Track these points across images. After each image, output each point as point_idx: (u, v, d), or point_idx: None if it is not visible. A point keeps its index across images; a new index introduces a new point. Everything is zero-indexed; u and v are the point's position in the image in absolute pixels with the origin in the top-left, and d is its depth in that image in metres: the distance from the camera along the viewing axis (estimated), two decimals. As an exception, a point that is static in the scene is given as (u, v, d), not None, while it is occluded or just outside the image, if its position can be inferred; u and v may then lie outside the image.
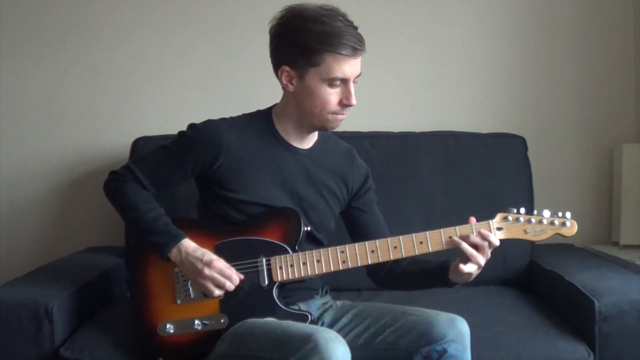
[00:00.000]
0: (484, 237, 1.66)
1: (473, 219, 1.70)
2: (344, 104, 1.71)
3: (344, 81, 1.69)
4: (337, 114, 1.73)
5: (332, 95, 1.70)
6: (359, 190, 1.91)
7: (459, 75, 2.68)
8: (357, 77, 1.72)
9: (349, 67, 1.68)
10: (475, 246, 1.66)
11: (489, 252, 1.67)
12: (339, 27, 1.66)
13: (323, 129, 1.79)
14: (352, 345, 1.58)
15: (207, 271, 1.67)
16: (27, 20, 2.63)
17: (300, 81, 1.71)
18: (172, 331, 1.73)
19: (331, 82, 1.69)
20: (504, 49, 2.68)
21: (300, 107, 1.75)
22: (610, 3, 2.67)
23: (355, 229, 1.92)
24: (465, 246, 1.66)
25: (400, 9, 2.66)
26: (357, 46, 1.68)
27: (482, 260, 1.66)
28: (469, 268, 1.66)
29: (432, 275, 1.78)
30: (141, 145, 2.43)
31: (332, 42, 1.65)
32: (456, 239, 1.67)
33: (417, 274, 1.81)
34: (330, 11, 1.69)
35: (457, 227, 1.69)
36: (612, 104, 2.69)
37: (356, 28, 1.70)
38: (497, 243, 1.67)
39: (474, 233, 1.67)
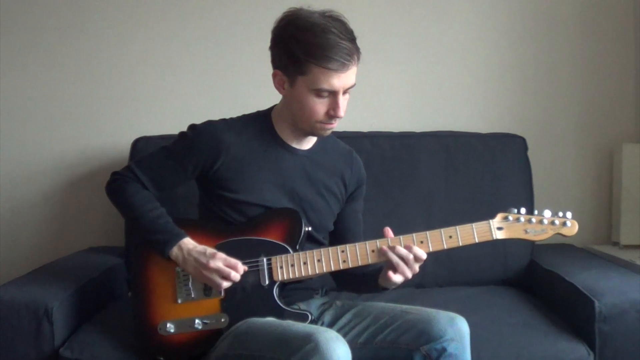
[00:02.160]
0: (408, 249, 1.66)
1: (389, 231, 1.70)
2: (331, 114, 1.69)
3: (332, 93, 1.67)
4: (324, 123, 1.72)
5: (319, 105, 1.68)
6: (352, 193, 1.92)
7: (459, 75, 2.68)
8: (350, 88, 1.69)
9: (337, 80, 1.65)
10: (401, 257, 1.66)
11: (415, 267, 1.67)
12: (329, 40, 1.62)
13: (313, 135, 1.79)
14: (352, 344, 1.57)
15: (212, 263, 1.67)
16: (28, 20, 2.63)
17: (290, 87, 1.70)
18: (172, 330, 1.73)
19: (318, 93, 1.67)
20: (504, 49, 2.68)
21: (291, 111, 1.75)
22: (610, 3, 2.67)
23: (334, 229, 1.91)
24: (391, 255, 1.66)
25: (400, 9, 2.66)
26: (345, 61, 1.63)
27: (408, 272, 1.67)
28: (396, 278, 1.67)
29: (367, 278, 1.78)
30: (141, 145, 2.43)
31: (319, 56, 1.62)
32: (384, 247, 1.67)
33: (357, 277, 1.81)
34: (326, 20, 1.65)
35: (457, 227, 1.69)
36: (612, 104, 2.69)
37: (353, 40, 1.66)
38: (423, 256, 1.66)
39: (474, 232, 1.68)
